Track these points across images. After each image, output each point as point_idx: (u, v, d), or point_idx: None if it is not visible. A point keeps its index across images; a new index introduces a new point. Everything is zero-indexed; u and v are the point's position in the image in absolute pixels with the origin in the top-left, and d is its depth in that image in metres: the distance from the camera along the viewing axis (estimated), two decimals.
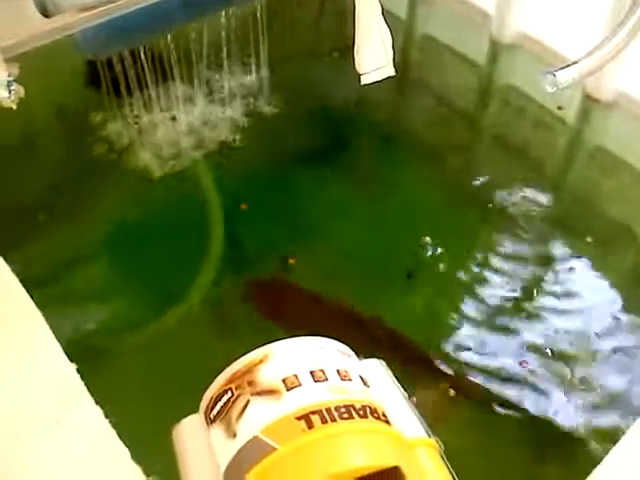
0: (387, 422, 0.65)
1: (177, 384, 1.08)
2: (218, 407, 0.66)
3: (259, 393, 0.65)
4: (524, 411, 1.12)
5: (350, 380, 0.67)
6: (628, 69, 1.43)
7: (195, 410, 0.70)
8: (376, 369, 0.75)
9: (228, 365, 0.69)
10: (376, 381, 0.72)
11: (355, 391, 0.66)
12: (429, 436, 0.68)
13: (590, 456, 1.05)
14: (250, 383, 0.66)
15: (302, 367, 0.66)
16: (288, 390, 0.64)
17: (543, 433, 1.11)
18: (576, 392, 1.14)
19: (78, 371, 0.81)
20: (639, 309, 1.25)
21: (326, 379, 0.65)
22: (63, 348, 0.83)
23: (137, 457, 0.74)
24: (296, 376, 0.65)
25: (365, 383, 0.69)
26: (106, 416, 0.76)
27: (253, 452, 0.61)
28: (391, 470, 0.60)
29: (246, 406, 0.64)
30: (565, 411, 1.12)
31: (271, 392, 0.64)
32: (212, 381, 0.69)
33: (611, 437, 1.05)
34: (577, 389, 1.14)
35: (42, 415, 0.77)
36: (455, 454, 0.68)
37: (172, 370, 1.12)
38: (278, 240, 1.39)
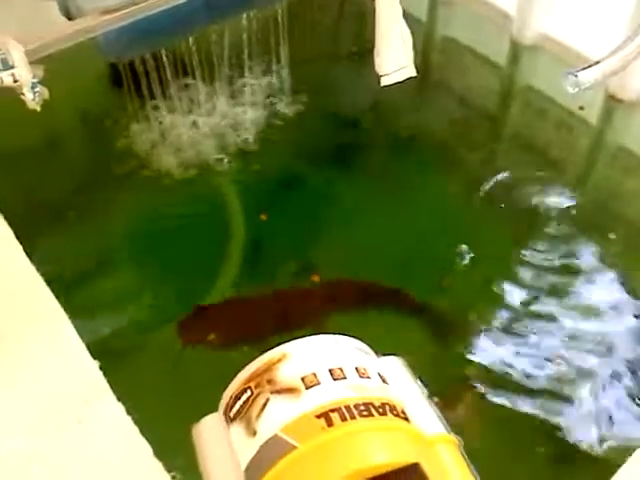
0: (406, 419, 0.65)
1: (197, 383, 1.08)
2: (238, 406, 0.66)
3: (278, 391, 0.65)
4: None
5: (369, 378, 0.67)
6: None
7: (214, 409, 0.70)
8: (395, 366, 0.74)
9: (247, 365, 0.69)
10: (395, 378, 0.72)
11: (374, 389, 0.66)
12: (448, 433, 0.68)
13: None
14: (269, 382, 0.66)
15: (321, 365, 0.66)
16: (307, 388, 0.64)
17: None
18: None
19: (101, 368, 0.82)
20: None
21: (345, 377, 0.65)
22: (86, 347, 0.84)
23: (159, 454, 0.74)
24: (315, 374, 0.65)
25: (384, 380, 0.69)
26: (128, 413, 0.77)
27: (273, 450, 0.61)
28: (411, 467, 0.60)
29: (265, 404, 0.64)
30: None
31: (290, 390, 0.64)
32: (231, 380, 0.69)
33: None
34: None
35: (65, 411, 0.78)
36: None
37: (193, 370, 1.13)
38: (298, 242, 1.39)
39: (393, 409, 0.64)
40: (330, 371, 0.66)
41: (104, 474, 0.73)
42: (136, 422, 0.77)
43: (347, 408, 0.62)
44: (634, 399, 1.12)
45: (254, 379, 0.67)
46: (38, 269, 0.93)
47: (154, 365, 1.14)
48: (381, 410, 0.63)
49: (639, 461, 0.79)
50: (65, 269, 1.26)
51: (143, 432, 0.76)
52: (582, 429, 1.09)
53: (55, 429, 0.77)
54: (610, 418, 1.10)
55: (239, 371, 0.69)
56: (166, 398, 1.06)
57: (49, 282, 0.92)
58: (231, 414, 0.67)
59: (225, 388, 0.70)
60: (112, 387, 0.80)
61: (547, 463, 1.08)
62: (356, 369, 0.67)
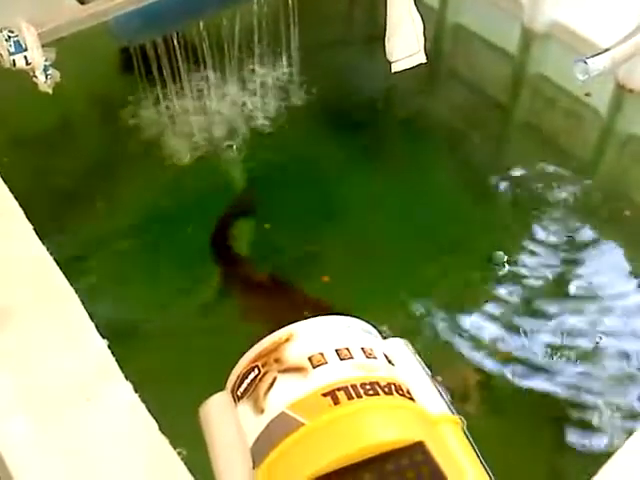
0: (412, 399, 0.66)
1: (204, 363, 1.09)
2: (245, 384, 0.68)
3: (286, 370, 0.66)
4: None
5: (375, 358, 0.68)
6: None
7: (220, 388, 0.71)
8: (400, 348, 0.75)
9: (254, 345, 0.70)
10: (400, 359, 0.73)
11: (380, 368, 0.67)
12: (452, 413, 0.69)
13: None
14: (277, 361, 0.67)
15: (328, 345, 0.67)
16: (314, 367, 0.65)
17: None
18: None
19: (109, 347, 0.83)
20: None
21: (351, 357, 0.67)
22: (97, 328, 0.85)
23: (165, 430, 0.75)
24: (322, 354, 0.66)
25: (390, 361, 0.70)
26: (135, 390, 0.78)
27: (281, 427, 0.62)
28: (416, 445, 0.61)
29: (273, 383, 0.66)
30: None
31: (298, 369, 0.66)
32: (238, 360, 0.70)
33: None
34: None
35: (74, 388, 0.79)
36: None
37: (199, 350, 1.14)
38: (307, 225, 1.39)
39: (399, 389, 0.66)
40: (337, 351, 0.67)
41: (111, 450, 0.75)
42: (143, 400, 0.78)
43: (353, 387, 0.63)
44: None
45: (262, 358, 0.68)
46: (48, 249, 0.94)
47: (162, 345, 1.16)
48: (387, 389, 0.64)
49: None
50: (75, 249, 1.27)
51: (150, 410, 0.77)
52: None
53: (64, 406, 0.78)
54: None
55: (246, 350, 0.70)
56: (172, 378, 1.07)
57: (59, 263, 0.93)
58: (239, 392, 0.68)
59: (230, 368, 0.71)
60: (120, 366, 0.81)
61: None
62: (362, 349, 0.68)
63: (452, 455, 0.64)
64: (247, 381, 0.68)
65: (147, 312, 1.22)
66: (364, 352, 0.68)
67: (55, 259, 0.93)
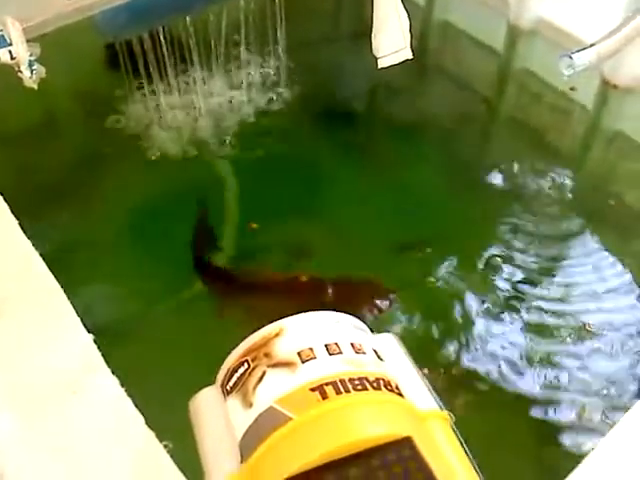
0: (400, 394, 0.66)
1: (189, 358, 1.09)
2: (235, 378, 0.68)
3: (275, 365, 0.66)
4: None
5: (364, 353, 0.68)
6: None
7: (206, 382, 0.71)
8: (389, 343, 0.75)
9: (243, 339, 0.70)
10: (390, 355, 0.73)
11: (369, 364, 0.67)
12: (441, 409, 0.69)
13: None
14: (266, 355, 0.67)
15: (317, 340, 0.67)
16: (303, 362, 0.65)
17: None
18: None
19: (95, 342, 0.82)
20: None
21: (340, 352, 0.67)
22: (84, 323, 0.85)
23: (151, 424, 0.75)
24: (311, 349, 0.66)
25: (379, 356, 0.70)
26: (122, 385, 0.78)
27: (269, 421, 0.62)
28: (403, 440, 0.61)
29: (262, 377, 0.65)
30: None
31: (287, 364, 0.66)
32: (225, 354, 0.70)
33: None
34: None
35: (60, 383, 0.79)
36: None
37: (185, 345, 1.14)
38: (295, 224, 1.39)
39: (387, 384, 0.65)
40: (326, 346, 0.67)
41: (98, 444, 0.74)
42: (129, 395, 0.78)
43: (342, 382, 0.63)
44: None
45: (251, 353, 0.68)
46: (34, 244, 0.93)
47: (147, 340, 1.15)
48: (375, 385, 0.64)
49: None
50: (61, 245, 1.27)
51: (136, 404, 0.77)
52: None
53: (50, 401, 0.78)
54: None
55: (236, 345, 0.70)
56: (159, 372, 1.07)
57: (45, 259, 0.92)
58: (228, 387, 0.68)
59: (215, 363, 0.71)
60: (106, 360, 0.81)
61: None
62: (352, 345, 0.68)
63: (440, 451, 0.64)
64: (236, 375, 0.68)
65: (133, 307, 1.22)
66: (353, 347, 0.68)
67: (41, 254, 0.92)
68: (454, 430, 0.67)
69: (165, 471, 0.72)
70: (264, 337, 0.69)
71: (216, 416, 0.67)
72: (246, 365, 0.67)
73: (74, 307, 0.87)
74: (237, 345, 0.70)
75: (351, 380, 0.64)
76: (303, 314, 0.71)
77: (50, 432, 0.76)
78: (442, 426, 0.67)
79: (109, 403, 0.77)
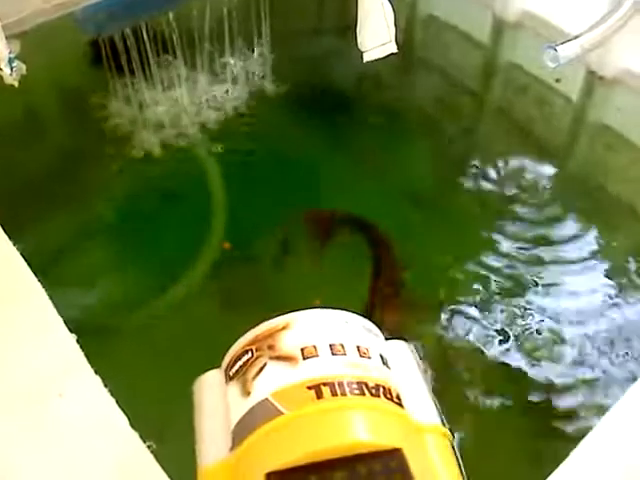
0: (400, 405, 0.65)
1: (174, 359, 1.08)
2: (237, 366, 0.68)
3: (277, 358, 0.66)
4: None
5: (369, 358, 0.67)
6: (632, 46, 1.42)
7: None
8: (401, 351, 0.75)
9: (231, 338, 0.70)
10: (398, 363, 0.72)
11: (372, 369, 0.66)
12: (443, 425, 0.68)
13: None
14: (270, 347, 0.67)
15: (322, 339, 0.67)
16: (304, 359, 0.65)
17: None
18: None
19: (78, 342, 0.82)
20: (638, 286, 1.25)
21: (344, 354, 0.66)
22: (66, 324, 0.84)
23: (135, 425, 0.75)
24: (315, 347, 0.66)
25: (385, 363, 0.69)
26: (105, 385, 0.77)
27: (261, 413, 0.63)
28: (393, 452, 0.60)
29: (263, 368, 0.66)
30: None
31: (288, 359, 0.66)
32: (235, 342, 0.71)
33: None
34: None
35: (42, 383, 0.78)
36: None
37: (171, 346, 1.13)
38: (280, 216, 1.38)
39: (387, 392, 0.65)
40: (331, 346, 0.67)
41: (81, 444, 0.74)
42: (113, 395, 0.77)
43: (340, 384, 0.63)
44: None
45: (257, 342, 0.68)
46: (15, 244, 0.93)
47: (131, 340, 1.15)
48: (374, 391, 0.64)
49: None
50: (43, 245, 1.26)
51: (120, 404, 0.76)
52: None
53: (32, 402, 0.77)
54: None
55: (244, 333, 0.70)
56: (142, 373, 1.06)
57: (27, 260, 0.91)
58: (230, 373, 0.69)
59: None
60: (89, 361, 0.80)
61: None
62: (357, 348, 0.68)
63: (431, 467, 0.63)
64: (240, 363, 0.68)
65: (116, 307, 1.21)
66: (359, 350, 0.67)
67: (22, 254, 0.92)
68: (453, 448, 0.67)
69: (149, 472, 0.72)
70: (271, 328, 0.69)
71: (216, 400, 0.68)
72: (250, 354, 0.68)
73: (56, 307, 0.86)
74: (244, 333, 0.70)
75: (349, 383, 0.63)
76: (313, 310, 0.71)
77: (31, 433, 0.75)
78: (439, 442, 0.66)
79: (92, 404, 0.77)
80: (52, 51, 1.44)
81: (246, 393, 0.64)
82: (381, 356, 0.69)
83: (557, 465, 0.72)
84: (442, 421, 0.68)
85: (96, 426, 0.75)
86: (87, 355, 0.81)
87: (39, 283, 0.89)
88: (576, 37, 1.16)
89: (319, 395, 0.62)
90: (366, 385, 0.63)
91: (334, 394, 0.62)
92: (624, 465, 0.74)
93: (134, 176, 1.44)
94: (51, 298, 0.87)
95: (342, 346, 0.67)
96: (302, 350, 0.66)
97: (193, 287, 1.26)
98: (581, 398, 1.09)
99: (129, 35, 1.43)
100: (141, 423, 0.75)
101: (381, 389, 0.64)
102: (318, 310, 0.71)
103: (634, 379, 0.93)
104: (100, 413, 0.76)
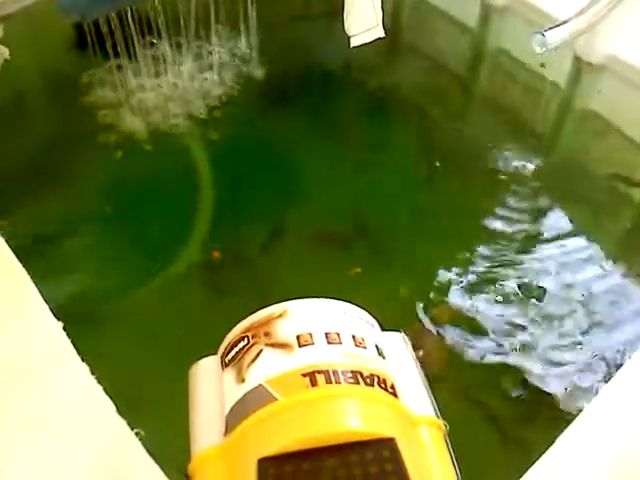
0: (394, 395, 0.65)
1: (161, 347, 1.08)
2: (233, 352, 0.68)
3: (273, 345, 0.66)
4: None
5: (364, 348, 0.67)
6: (619, 32, 1.42)
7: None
8: (397, 342, 0.75)
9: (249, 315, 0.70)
10: (394, 354, 0.72)
11: (367, 359, 0.66)
12: (437, 417, 0.68)
13: None
14: (266, 334, 0.67)
15: (318, 327, 0.67)
16: (300, 346, 0.65)
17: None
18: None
19: (64, 329, 0.81)
20: (626, 269, 1.26)
21: (340, 342, 0.66)
22: (53, 312, 0.84)
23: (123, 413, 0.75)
24: (310, 335, 0.66)
25: (380, 353, 0.69)
26: (92, 372, 0.77)
27: (255, 399, 0.62)
28: (385, 441, 0.60)
29: (258, 355, 0.65)
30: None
31: (284, 346, 0.65)
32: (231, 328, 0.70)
33: None
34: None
35: (29, 371, 0.78)
36: None
37: (158, 333, 1.12)
38: (268, 202, 1.38)
39: (382, 382, 0.65)
40: (326, 334, 0.66)
41: (69, 432, 0.73)
42: (100, 382, 0.77)
43: (334, 372, 0.63)
44: None
45: (253, 329, 0.68)
46: (1, 233, 0.92)
47: (118, 327, 1.14)
48: (368, 380, 0.64)
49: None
50: (29, 231, 1.25)
51: (107, 392, 0.76)
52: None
53: (19, 389, 0.77)
54: None
55: (240, 320, 0.70)
56: (130, 360, 1.05)
57: (12, 247, 0.91)
58: (226, 359, 0.68)
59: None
60: (76, 348, 0.80)
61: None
62: (353, 337, 0.67)
63: (424, 458, 0.63)
64: (235, 349, 0.68)
65: (103, 294, 1.20)
66: (354, 340, 0.67)
67: (7, 241, 0.91)
68: (446, 440, 0.67)
69: (137, 459, 0.72)
70: (268, 316, 0.69)
71: (211, 386, 0.68)
72: (246, 340, 0.67)
73: (42, 294, 0.85)
74: (241, 320, 0.70)
75: (344, 372, 0.63)
76: (310, 299, 0.71)
77: (18, 421, 0.74)
78: (433, 434, 0.66)
79: (79, 391, 0.76)
80: (37, 35, 1.43)
81: (241, 379, 0.64)
82: (376, 346, 0.69)
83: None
84: (436, 413, 0.69)
85: (83, 413, 0.75)
86: (74, 342, 0.81)
87: (24, 269, 0.88)
88: (564, 22, 1.16)
89: (313, 382, 0.62)
90: (361, 374, 0.63)
91: (328, 382, 0.62)
92: (615, 448, 0.75)
93: (118, 160, 1.43)
94: (37, 285, 0.86)
95: (338, 335, 0.66)
96: (298, 338, 0.65)
97: (181, 274, 1.25)
98: None
99: (114, 18, 1.42)
100: (129, 410, 0.75)
101: (375, 379, 0.64)
102: (315, 299, 0.71)
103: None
104: (87, 400, 0.76)
